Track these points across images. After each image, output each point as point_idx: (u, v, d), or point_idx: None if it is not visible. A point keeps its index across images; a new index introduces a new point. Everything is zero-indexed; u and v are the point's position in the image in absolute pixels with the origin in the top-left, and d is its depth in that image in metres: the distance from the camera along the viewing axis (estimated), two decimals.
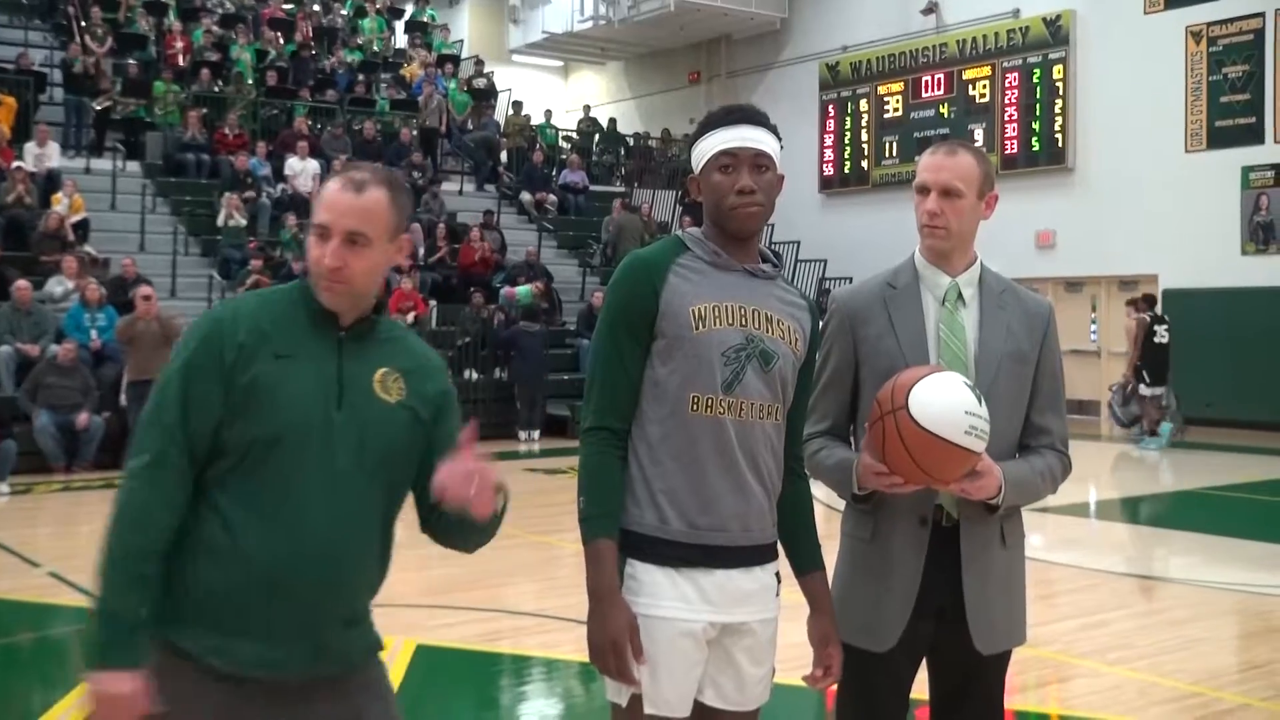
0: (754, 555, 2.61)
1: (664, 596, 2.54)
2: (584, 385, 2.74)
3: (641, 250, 2.70)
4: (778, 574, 2.69)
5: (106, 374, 13.22)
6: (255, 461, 2.28)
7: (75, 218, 15.90)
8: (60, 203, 15.86)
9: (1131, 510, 11.73)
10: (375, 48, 23.92)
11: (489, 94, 23.71)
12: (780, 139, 2.68)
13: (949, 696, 2.92)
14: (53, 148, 17.27)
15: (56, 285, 14.35)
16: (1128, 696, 5.38)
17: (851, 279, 14.89)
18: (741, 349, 2.57)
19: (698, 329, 2.55)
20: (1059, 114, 19.38)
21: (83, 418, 12.47)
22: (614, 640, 2.47)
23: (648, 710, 2.53)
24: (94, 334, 13.43)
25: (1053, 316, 2.92)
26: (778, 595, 2.68)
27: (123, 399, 12.61)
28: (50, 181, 16.52)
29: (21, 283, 13.62)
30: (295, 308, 2.38)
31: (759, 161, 2.59)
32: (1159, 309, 16.12)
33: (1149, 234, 17.81)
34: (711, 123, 2.65)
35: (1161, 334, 15.67)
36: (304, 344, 2.35)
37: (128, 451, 2.31)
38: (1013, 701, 5.16)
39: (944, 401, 2.57)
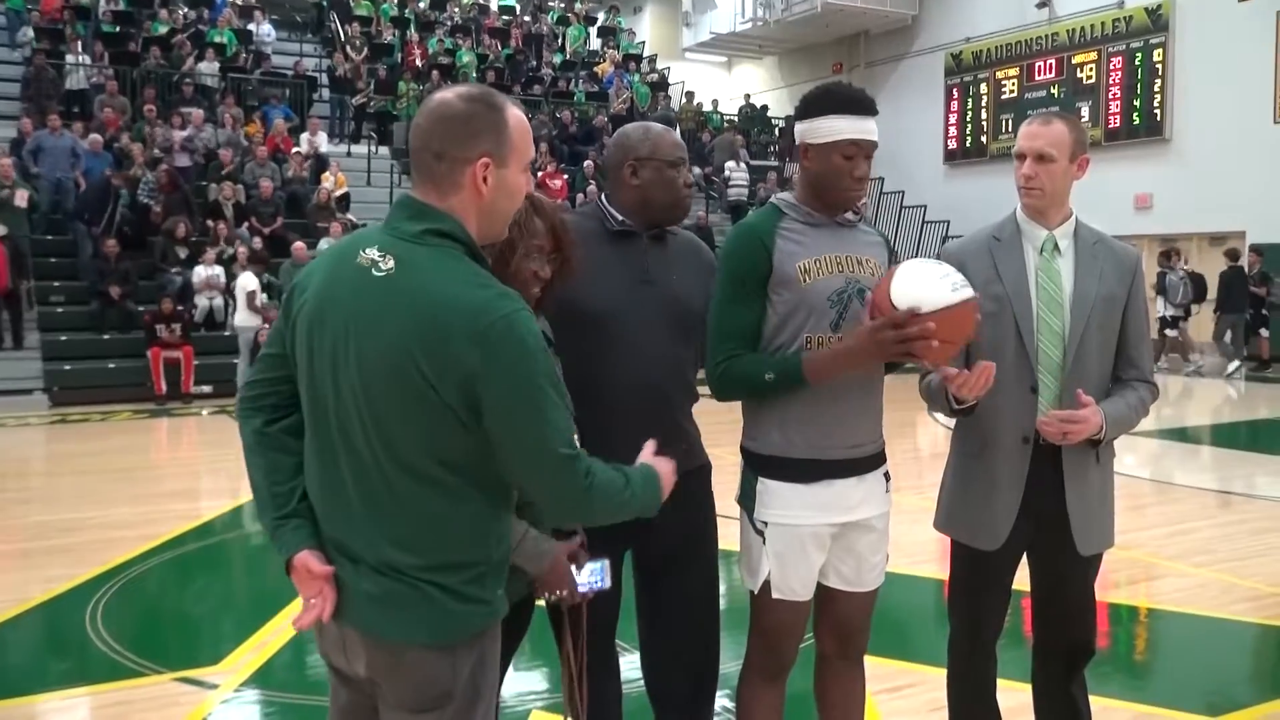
0: (862, 465, 2.57)
1: (790, 506, 2.53)
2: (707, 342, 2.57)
3: (748, 219, 2.60)
4: (886, 474, 2.65)
5: None
6: None
7: (339, 192, 16.43)
8: (328, 180, 16.41)
9: (1214, 435, 11.12)
10: (574, 46, 23.96)
11: (664, 86, 23.59)
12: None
13: (1050, 590, 2.83)
14: (321, 136, 17.84)
15: (325, 246, 14.86)
16: (1211, 594, 5.11)
17: None
18: (843, 291, 2.49)
19: (804, 281, 2.47)
20: (1158, 92, 18.34)
21: None
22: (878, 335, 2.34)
23: (775, 596, 2.56)
24: None
25: (1140, 264, 2.79)
26: (887, 492, 2.65)
27: None
28: (320, 163, 17.06)
29: (299, 244, 14.21)
30: None
31: (869, 152, 2.49)
32: (1244, 259, 15.52)
33: (1238, 195, 16.79)
34: (835, 105, 2.45)
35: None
36: None
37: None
38: (1105, 595, 4.98)
39: (921, 283, 2.32)
